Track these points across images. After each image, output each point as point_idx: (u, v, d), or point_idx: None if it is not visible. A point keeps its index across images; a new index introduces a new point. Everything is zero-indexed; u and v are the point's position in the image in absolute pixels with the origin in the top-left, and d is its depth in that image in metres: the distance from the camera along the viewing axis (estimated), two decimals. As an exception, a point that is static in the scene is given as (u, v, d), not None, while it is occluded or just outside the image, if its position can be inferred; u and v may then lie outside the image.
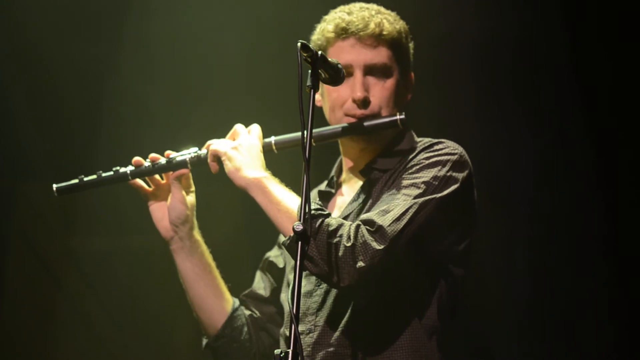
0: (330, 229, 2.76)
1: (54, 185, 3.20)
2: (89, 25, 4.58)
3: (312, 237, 2.75)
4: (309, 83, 2.68)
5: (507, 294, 4.22)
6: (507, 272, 4.24)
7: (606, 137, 4.19)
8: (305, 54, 2.66)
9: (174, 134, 4.61)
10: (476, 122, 4.27)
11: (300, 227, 2.52)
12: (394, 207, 2.81)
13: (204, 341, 3.30)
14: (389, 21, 3.09)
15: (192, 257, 3.24)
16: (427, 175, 2.89)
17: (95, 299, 4.69)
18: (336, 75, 2.78)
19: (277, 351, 2.45)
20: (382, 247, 2.73)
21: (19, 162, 4.67)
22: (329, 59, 2.76)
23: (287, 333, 3.04)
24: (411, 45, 3.18)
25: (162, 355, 4.67)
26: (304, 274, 2.89)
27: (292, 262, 3.11)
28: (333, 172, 3.28)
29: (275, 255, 3.35)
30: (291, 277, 3.16)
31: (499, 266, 4.20)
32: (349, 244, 2.73)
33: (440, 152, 2.97)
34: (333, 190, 3.22)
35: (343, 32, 3.06)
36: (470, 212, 3.01)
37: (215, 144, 3.08)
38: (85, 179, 3.18)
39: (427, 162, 2.94)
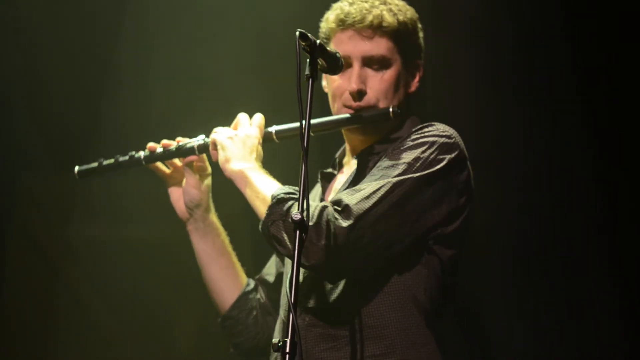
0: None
1: (76, 168, 3.34)
2: (89, 13, 4.57)
3: (281, 220, 2.81)
4: (307, 72, 2.69)
5: (505, 286, 4.22)
6: (507, 267, 4.24)
7: (606, 130, 4.18)
8: (303, 43, 2.68)
9: (175, 123, 4.64)
10: (475, 112, 4.25)
11: (298, 217, 2.52)
12: (366, 187, 2.84)
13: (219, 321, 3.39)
14: (391, 12, 3.08)
15: (206, 238, 3.34)
16: (409, 156, 2.90)
17: (94, 288, 4.69)
18: (334, 64, 2.80)
19: (274, 340, 2.45)
20: (345, 224, 2.76)
21: (17, 153, 4.66)
22: (327, 48, 2.77)
23: (282, 316, 3.10)
24: (420, 35, 3.19)
25: (161, 346, 4.66)
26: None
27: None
28: (337, 155, 3.31)
29: None
30: (288, 267, 3.18)
31: (497, 258, 4.20)
32: (312, 223, 2.75)
33: (427, 133, 2.98)
34: (335, 172, 3.25)
35: (341, 24, 3.07)
36: (460, 194, 2.97)
37: (216, 133, 3.15)
38: (105, 162, 3.32)
39: (412, 143, 2.95)
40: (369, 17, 3.05)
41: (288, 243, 2.79)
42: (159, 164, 3.35)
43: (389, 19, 3.07)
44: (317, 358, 2.90)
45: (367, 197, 2.81)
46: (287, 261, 3.20)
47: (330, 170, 3.27)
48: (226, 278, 3.34)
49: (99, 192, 4.58)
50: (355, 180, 3.05)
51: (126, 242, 4.61)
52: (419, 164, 2.88)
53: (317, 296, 2.94)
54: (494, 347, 4.16)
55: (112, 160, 3.32)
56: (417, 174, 2.87)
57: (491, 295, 4.14)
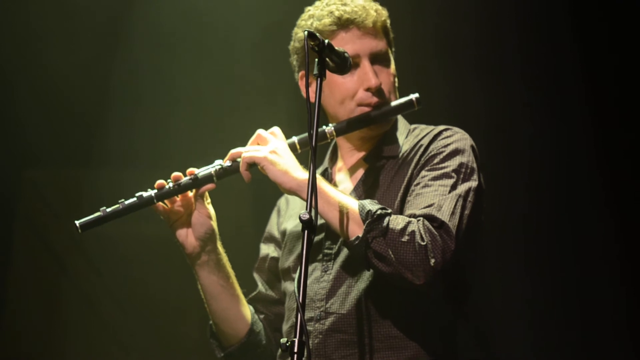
0: (399, 227, 2.74)
1: (77, 222, 2.99)
2: (96, 12, 4.57)
3: (380, 236, 2.73)
4: (315, 72, 2.68)
5: (510, 292, 4.21)
6: (510, 269, 4.23)
7: (614, 128, 4.17)
8: (312, 43, 2.67)
9: (181, 120, 4.65)
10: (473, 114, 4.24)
11: (306, 216, 2.51)
12: (444, 202, 2.80)
13: (219, 352, 3.24)
14: (380, 8, 3.12)
15: (218, 270, 3.14)
16: (453, 163, 2.90)
17: (101, 283, 4.70)
18: (342, 63, 2.79)
19: (283, 340, 2.45)
20: (450, 243, 2.72)
21: (23, 149, 4.67)
22: (336, 47, 2.76)
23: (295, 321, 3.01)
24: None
25: (168, 340, 4.67)
26: (312, 260, 2.94)
27: (295, 252, 3.11)
28: (327, 164, 3.27)
29: (272, 250, 3.32)
30: (293, 264, 3.15)
31: (502, 263, 4.20)
32: (423, 243, 2.71)
33: (453, 138, 2.99)
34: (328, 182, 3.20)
35: (348, 23, 3.04)
36: (483, 195, 2.99)
37: (249, 152, 2.97)
38: (108, 209, 3.02)
39: (447, 150, 2.95)
40: (372, 13, 3.07)
41: (394, 262, 2.71)
42: (160, 203, 3.06)
43: (383, 13, 3.11)
44: None
45: (453, 213, 2.78)
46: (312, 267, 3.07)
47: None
48: (237, 305, 3.18)
49: (106, 187, 4.59)
50: (369, 184, 3.04)
51: (134, 237, 4.61)
52: (464, 169, 2.89)
53: (340, 301, 2.91)
54: (502, 348, 4.17)
55: (117, 206, 3.01)
56: (472, 183, 2.87)
57: (494, 295, 4.14)
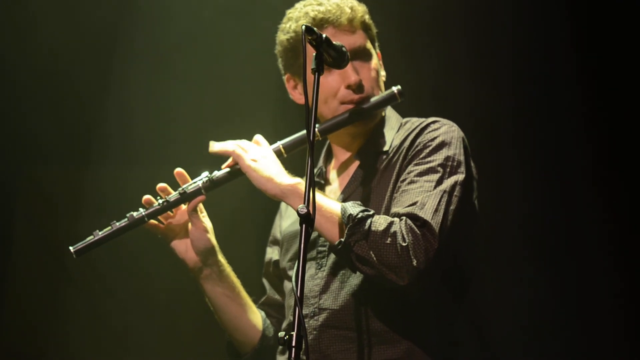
0: (381, 228, 2.74)
1: (71, 248, 3.03)
2: (97, 16, 4.59)
3: (363, 239, 2.73)
4: (313, 66, 2.67)
5: (509, 288, 4.21)
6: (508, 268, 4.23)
7: (608, 129, 4.17)
8: (309, 37, 2.67)
9: (181, 121, 4.66)
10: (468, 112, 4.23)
11: (304, 210, 2.50)
12: (427, 199, 2.79)
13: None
14: (356, 5, 3.13)
15: (222, 281, 3.16)
16: (439, 157, 2.90)
17: (101, 281, 4.70)
18: (340, 57, 2.79)
19: (280, 334, 2.45)
20: (434, 242, 2.71)
21: (25, 147, 4.68)
22: (333, 42, 2.76)
23: (292, 318, 3.00)
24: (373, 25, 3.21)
25: (168, 339, 4.67)
26: (307, 257, 2.92)
27: (291, 251, 3.11)
28: (321, 163, 3.28)
29: (276, 254, 3.33)
30: (289, 263, 3.17)
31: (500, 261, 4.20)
32: (405, 244, 2.71)
33: (440, 130, 2.98)
34: (322, 181, 3.22)
35: (322, 22, 3.06)
36: (474, 186, 3.00)
37: (241, 158, 2.99)
38: (100, 232, 3.05)
39: (433, 143, 2.94)
40: (346, 10, 3.07)
41: (377, 264, 2.71)
42: (154, 221, 3.09)
43: (359, 9, 3.11)
44: (332, 359, 2.88)
45: (437, 210, 2.76)
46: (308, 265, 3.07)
47: (317, 179, 3.21)
48: (246, 314, 3.20)
49: (107, 184, 4.60)
50: (360, 180, 3.05)
51: (133, 234, 4.61)
52: (451, 163, 2.88)
53: (332, 297, 2.92)
54: (498, 345, 4.17)
55: (109, 228, 3.04)
56: (461, 177, 2.86)
57: (492, 291, 4.14)
